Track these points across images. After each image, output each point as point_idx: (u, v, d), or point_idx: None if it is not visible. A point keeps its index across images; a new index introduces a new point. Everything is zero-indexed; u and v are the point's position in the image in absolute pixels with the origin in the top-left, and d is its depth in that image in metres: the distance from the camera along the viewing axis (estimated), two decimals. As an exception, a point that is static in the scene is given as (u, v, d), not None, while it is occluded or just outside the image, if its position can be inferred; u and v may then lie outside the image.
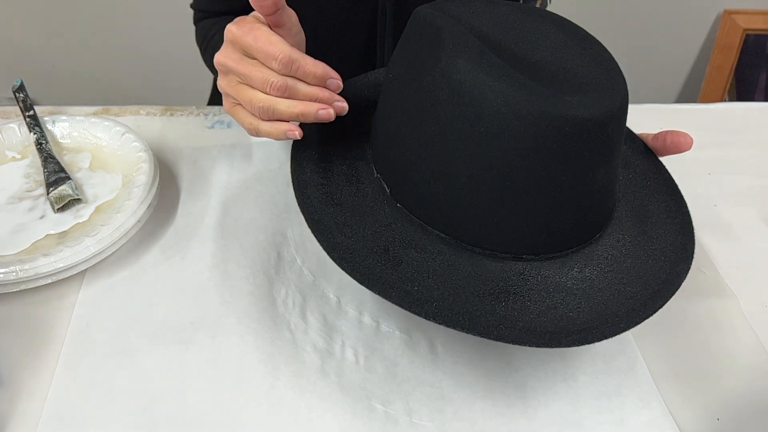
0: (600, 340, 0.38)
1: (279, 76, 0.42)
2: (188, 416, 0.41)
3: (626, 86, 0.40)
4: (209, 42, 0.67)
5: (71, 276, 0.48)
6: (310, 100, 0.43)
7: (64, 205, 0.52)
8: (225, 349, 0.45)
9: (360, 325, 0.47)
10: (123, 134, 0.58)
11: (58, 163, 0.55)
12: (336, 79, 0.43)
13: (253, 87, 0.43)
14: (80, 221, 0.52)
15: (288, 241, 0.53)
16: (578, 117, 0.37)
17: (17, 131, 0.59)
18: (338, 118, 0.44)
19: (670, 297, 0.41)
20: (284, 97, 0.43)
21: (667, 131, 0.50)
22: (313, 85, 0.43)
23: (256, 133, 0.45)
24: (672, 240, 0.45)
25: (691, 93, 1.76)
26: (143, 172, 0.53)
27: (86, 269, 0.49)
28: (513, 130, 0.37)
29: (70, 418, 0.41)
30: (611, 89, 0.39)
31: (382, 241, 0.41)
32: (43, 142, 0.57)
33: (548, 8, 0.73)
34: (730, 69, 1.61)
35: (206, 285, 0.49)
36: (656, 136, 0.51)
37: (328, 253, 0.39)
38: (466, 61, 0.38)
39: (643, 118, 0.65)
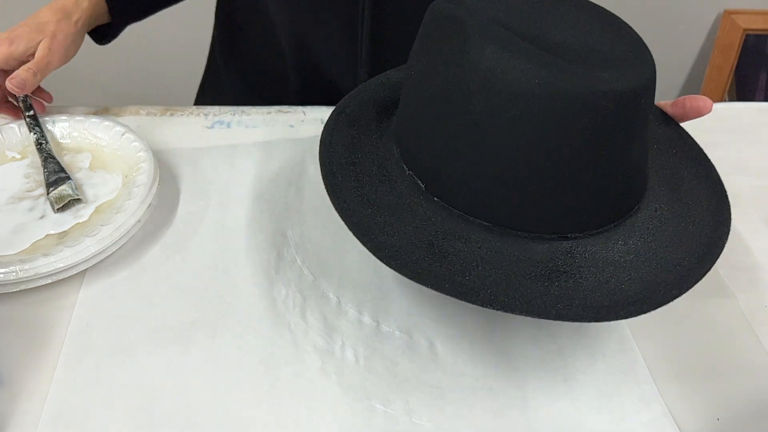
0: (655, 308, 0.38)
1: None
2: (188, 416, 0.41)
3: (652, 57, 0.40)
4: None
5: (71, 276, 0.48)
6: None
7: (64, 205, 0.52)
8: (225, 349, 0.45)
9: (360, 325, 0.47)
10: (123, 134, 0.58)
11: (58, 163, 0.55)
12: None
13: None
14: (80, 221, 0.52)
15: (288, 241, 0.53)
16: (613, 91, 0.37)
17: (17, 131, 0.59)
18: (359, 121, 0.48)
19: (716, 260, 0.41)
20: None
21: (686, 97, 0.50)
22: None
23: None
24: (707, 204, 0.45)
25: (691, 93, 1.75)
26: (143, 172, 0.53)
27: (86, 269, 0.49)
28: (549, 110, 0.37)
29: (70, 418, 0.41)
30: (639, 61, 0.39)
31: (425, 235, 0.41)
32: (43, 142, 0.57)
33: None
34: (730, 69, 1.61)
35: (206, 285, 0.49)
36: (675, 103, 0.51)
37: (374, 254, 0.39)
38: (494, 48, 0.37)
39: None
